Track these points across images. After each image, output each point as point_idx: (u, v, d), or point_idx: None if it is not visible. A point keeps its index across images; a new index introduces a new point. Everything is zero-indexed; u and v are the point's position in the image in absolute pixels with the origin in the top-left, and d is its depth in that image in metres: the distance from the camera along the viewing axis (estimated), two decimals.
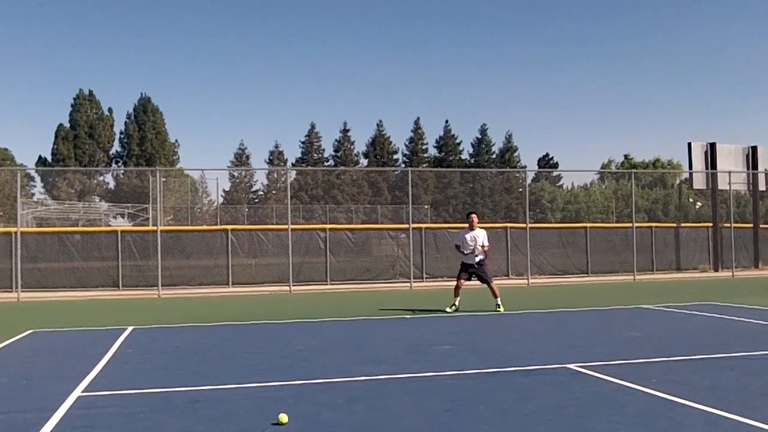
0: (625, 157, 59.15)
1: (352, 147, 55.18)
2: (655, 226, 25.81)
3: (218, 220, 37.51)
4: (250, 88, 76.03)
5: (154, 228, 20.21)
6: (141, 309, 13.86)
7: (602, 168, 57.44)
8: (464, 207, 46.13)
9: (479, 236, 11.98)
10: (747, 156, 25.93)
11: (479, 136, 56.28)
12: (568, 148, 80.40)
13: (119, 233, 20.37)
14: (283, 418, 4.46)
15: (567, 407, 4.87)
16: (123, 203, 40.20)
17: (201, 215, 44.38)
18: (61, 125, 49.86)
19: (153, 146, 50.56)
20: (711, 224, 25.58)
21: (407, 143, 55.92)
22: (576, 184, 52.26)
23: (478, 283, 12.25)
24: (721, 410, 4.66)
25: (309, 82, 77.26)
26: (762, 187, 26.66)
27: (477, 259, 11.94)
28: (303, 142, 54.92)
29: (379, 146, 54.40)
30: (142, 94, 52.52)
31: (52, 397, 5.36)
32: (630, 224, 22.95)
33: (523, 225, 21.90)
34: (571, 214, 45.15)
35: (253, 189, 52.65)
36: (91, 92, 51.10)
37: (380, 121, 56.37)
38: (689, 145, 25.16)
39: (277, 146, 53.70)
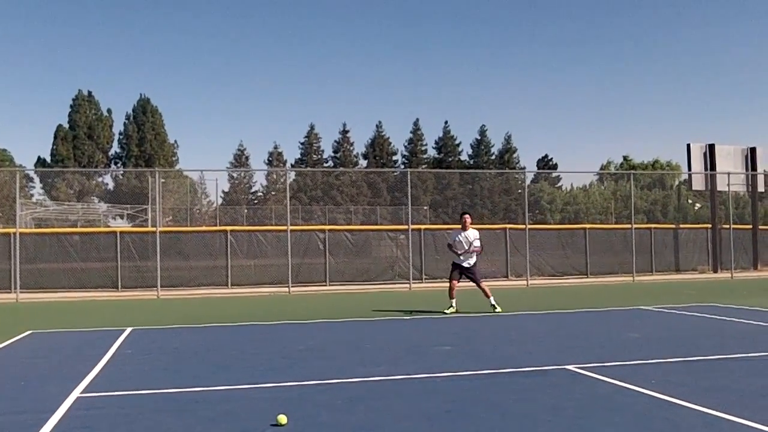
0: (624, 158, 59.23)
1: (351, 148, 55.24)
2: (654, 228, 25.82)
3: (217, 221, 37.52)
4: (249, 89, 76.12)
5: (153, 229, 20.19)
6: (140, 310, 13.85)
7: (601, 169, 57.50)
8: (463, 208, 46.16)
9: (471, 237, 11.97)
10: (746, 157, 25.95)
11: (478, 137, 56.38)
12: (567, 149, 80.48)
13: (118, 234, 20.36)
14: (282, 419, 4.46)
15: (566, 408, 4.87)
16: (122, 204, 40.18)
17: (200, 216, 44.38)
18: (60, 126, 49.85)
19: (152, 147, 50.55)
20: (710, 225, 25.60)
21: (406, 144, 56.01)
22: (575, 186, 52.34)
23: (472, 284, 12.23)
24: (720, 412, 4.66)
25: (308, 83, 77.37)
26: (761, 188, 26.68)
27: (471, 261, 11.94)
28: (302, 143, 55.00)
29: (378, 147, 54.42)
30: (141, 94, 52.65)
31: (51, 398, 5.35)
32: (629, 225, 22.96)
33: (522, 226, 21.91)
34: (570, 215, 45.18)
35: (252, 190, 52.71)
36: (90, 93, 51.14)
37: (379, 122, 56.71)
38: (688, 146, 25.18)
39: (276, 147, 53.81)
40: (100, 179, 49.95)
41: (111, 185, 49.49)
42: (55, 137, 49.41)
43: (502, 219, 42.14)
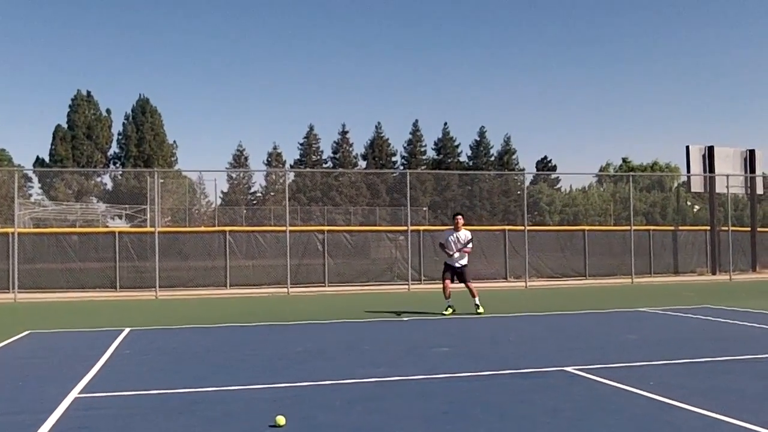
0: (624, 160, 59.27)
1: (350, 149, 55.27)
2: (653, 229, 25.83)
3: (216, 221, 37.48)
4: (248, 90, 76.12)
5: (152, 229, 20.19)
6: (138, 310, 13.83)
7: (600, 171, 57.54)
8: (462, 209, 46.17)
9: (462, 238, 12.01)
10: (745, 159, 25.98)
11: (478, 139, 56.42)
12: (566, 150, 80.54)
13: (117, 234, 20.33)
14: (281, 420, 4.45)
15: (565, 410, 4.87)
16: (121, 204, 40.17)
17: (199, 216, 44.37)
18: (59, 126, 49.84)
19: (151, 147, 50.55)
20: (709, 227, 25.61)
21: (406, 145, 56.04)
22: (574, 187, 52.34)
23: (473, 286, 12.23)
24: (718, 414, 4.65)
25: (308, 83, 77.41)
26: (760, 190, 26.72)
27: (462, 262, 11.98)
28: (301, 144, 55.04)
29: (377, 148, 54.44)
30: (140, 95, 52.60)
31: (49, 399, 5.34)
32: (628, 227, 22.96)
33: (521, 227, 21.91)
34: (569, 216, 45.19)
35: (251, 190, 52.72)
36: (89, 93, 51.13)
37: (379, 123, 56.60)
38: (687, 148, 25.21)
39: (275, 148, 53.85)
40: (98, 179, 49.95)
41: (110, 185, 49.53)
42: (54, 137, 49.39)
43: (501, 220, 42.15)
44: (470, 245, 12.08)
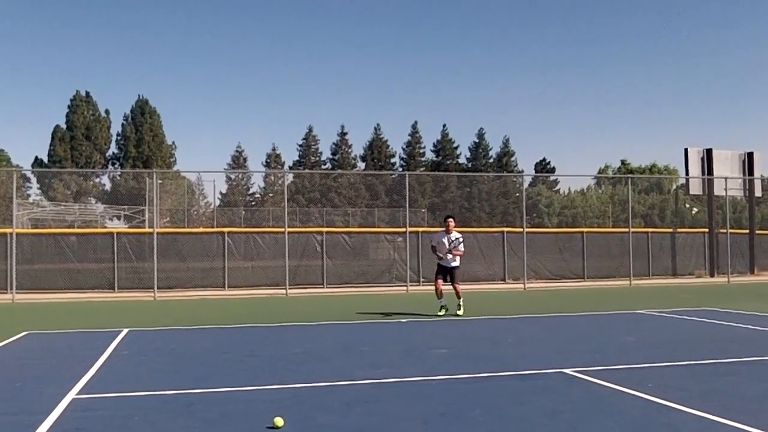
0: (622, 162, 59.26)
1: (349, 150, 55.29)
2: (652, 232, 25.87)
3: (215, 222, 37.48)
4: (247, 91, 76.08)
5: (150, 230, 20.18)
6: (136, 311, 13.82)
7: (599, 173, 57.52)
8: (461, 211, 46.17)
9: (453, 240, 12.07)
10: (743, 162, 26.03)
11: (476, 141, 56.45)
12: (565, 152, 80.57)
13: (115, 235, 20.34)
14: (279, 421, 4.44)
15: (563, 412, 4.86)
16: (119, 205, 40.15)
17: (197, 217, 44.37)
18: (57, 126, 49.79)
19: (150, 148, 50.52)
20: (707, 230, 25.64)
21: (404, 147, 56.06)
22: (573, 189, 52.40)
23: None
24: (717, 416, 4.65)
25: (307, 85, 77.42)
26: (758, 193, 26.76)
27: (454, 264, 12.05)
28: (300, 145, 55.06)
29: (376, 150, 54.46)
30: (139, 95, 52.56)
31: (47, 400, 5.33)
32: (626, 229, 22.97)
33: (520, 229, 21.92)
34: (568, 218, 45.20)
35: (250, 192, 52.71)
36: (88, 93, 51.10)
37: (378, 124, 56.60)
38: (686, 150, 25.25)
39: (274, 149, 53.88)
40: (97, 180, 49.95)
41: (108, 186, 49.50)
42: (53, 138, 49.35)
43: (499, 222, 42.16)
44: (461, 247, 12.15)
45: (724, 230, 24.14)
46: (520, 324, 10.97)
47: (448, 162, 55.10)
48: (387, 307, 13.70)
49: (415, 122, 57.68)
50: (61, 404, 5.20)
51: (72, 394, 5.56)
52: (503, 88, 78.54)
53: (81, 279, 19.22)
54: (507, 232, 23.21)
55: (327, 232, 22.05)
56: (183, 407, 5.13)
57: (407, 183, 21.73)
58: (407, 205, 20.95)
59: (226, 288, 19.83)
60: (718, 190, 25.04)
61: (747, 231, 26.64)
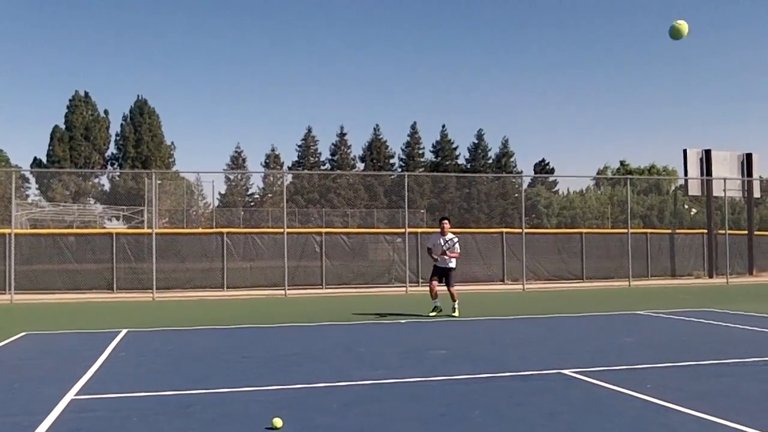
0: (621, 163, 59.27)
1: (348, 151, 55.29)
2: (651, 232, 25.90)
3: (214, 223, 37.48)
4: (246, 91, 76.13)
5: (149, 230, 20.17)
6: (135, 312, 13.81)
7: (598, 174, 57.55)
8: (460, 212, 46.18)
9: (448, 241, 12.12)
10: (742, 163, 26.05)
11: (476, 141, 56.47)
12: (564, 153, 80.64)
13: (114, 235, 20.33)
14: (278, 422, 4.44)
15: (561, 413, 4.87)
16: (118, 205, 40.13)
17: (196, 218, 44.36)
18: (56, 127, 49.76)
19: (149, 148, 50.51)
20: (706, 231, 25.67)
21: (404, 147, 56.08)
22: (572, 190, 52.41)
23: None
24: (715, 417, 4.66)
25: (306, 85, 77.43)
26: (756, 194, 26.80)
27: (450, 265, 12.09)
28: (299, 146, 55.05)
29: (375, 150, 54.46)
30: (138, 96, 52.52)
31: (45, 401, 5.33)
32: (625, 230, 22.98)
33: (519, 230, 21.92)
34: (567, 219, 45.22)
35: (249, 192, 52.68)
36: (87, 94, 51.07)
37: (377, 125, 56.60)
38: (684, 151, 25.27)
39: (273, 150, 53.86)
40: (96, 180, 49.90)
41: (107, 186, 49.47)
42: (52, 138, 49.32)
43: (498, 223, 42.18)
44: (457, 248, 12.20)
45: (723, 231, 24.16)
46: (519, 325, 10.97)
47: (447, 163, 55.11)
48: (386, 307, 13.70)
49: (414, 123, 57.72)
50: (60, 405, 5.19)
51: (70, 395, 5.56)
52: (502, 89, 78.67)
53: (80, 279, 19.21)
54: (506, 232, 23.22)
55: (326, 233, 22.05)
56: (181, 408, 5.12)
57: (406, 184, 21.73)
58: (406, 206, 20.96)
59: (225, 288, 19.83)
60: (717, 191, 25.06)
61: (746, 232, 26.65)
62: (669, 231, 27.73)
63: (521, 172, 54.50)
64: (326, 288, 20.35)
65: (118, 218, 39.97)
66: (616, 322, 11.07)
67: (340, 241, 21.59)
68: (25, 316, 13.21)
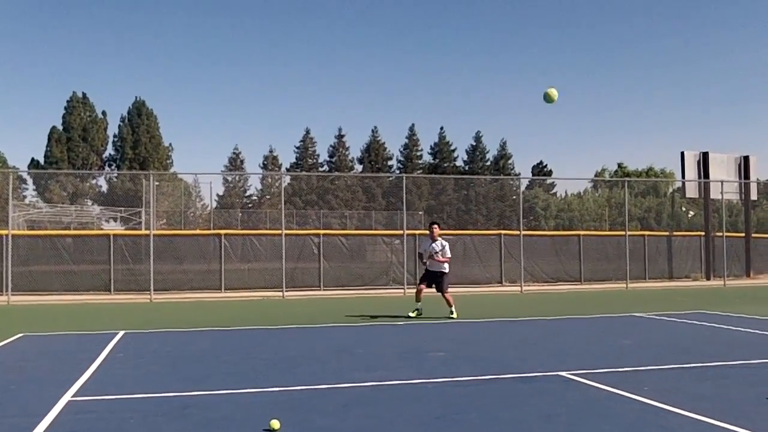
0: (619, 165, 59.38)
1: (346, 153, 55.31)
2: (648, 235, 25.93)
3: (211, 224, 37.45)
4: (245, 93, 76.13)
5: (147, 232, 20.14)
6: (133, 313, 13.79)
7: (596, 176, 57.65)
8: (458, 213, 46.22)
9: (437, 246, 12.13)
10: (739, 165, 26.09)
11: (474, 143, 56.52)
12: (562, 156, 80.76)
13: (111, 237, 20.30)
14: (275, 424, 4.44)
15: (559, 415, 4.87)
16: (116, 207, 40.06)
17: (194, 219, 44.31)
18: (54, 128, 49.68)
19: (147, 150, 50.45)
20: (703, 233, 25.71)
21: (402, 149, 56.10)
22: (569, 192, 52.49)
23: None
24: (713, 419, 4.66)
25: (304, 87, 77.43)
26: (754, 196, 26.85)
27: (441, 269, 12.13)
28: (298, 148, 55.01)
29: (373, 152, 54.48)
30: (136, 97, 52.45)
31: (42, 402, 5.32)
32: (623, 232, 23.02)
33: (517, 232, 21.93)
34: (565, 221, 45.27)
35: (247, 194, 52.64)
36: (84, 95, 51.02)
37: (375, 127, 56.57)
38: (682, 154, 25.31)
39: (271, 151, 53.85)
40: (93, 181, 49.80)
41: (105, 188, 49.40)
42: (49, 139, 49.25)
43: (496, 225, 42.20)
44: (447, 253, 12.20)
45: (720, 233, 24.20)
46: (517, 327, 10.97)
47: (445, 165, 55.15)
48: (384, 309, 13.69)
49: (413, 125, 57.79)
50: (57, 407, 5.18)
51: (68, 397, 5.55)
52: (500, 91, 78.77)
53: (77, 281, 19.17)
54: (504, 234, 23.22)
55: (324, 235, 22.05)
56: (179, 410, 5.12)
57: (404, 185, 21.72)
58: (404, 208, 20.95)
59: (223, 290, 19.81)
60: (715, 193, 25.10)
61: (743, 234, 26.70)
62: (666, 233, 27.77)
63: (519, 174, 54.65)
64: (324, 290, 20.35)
65: (115, 219, 39.90)
66: (613, 324, 11.07)
67: (338, 243, 21.59)
68: (22, 317, 13.18)
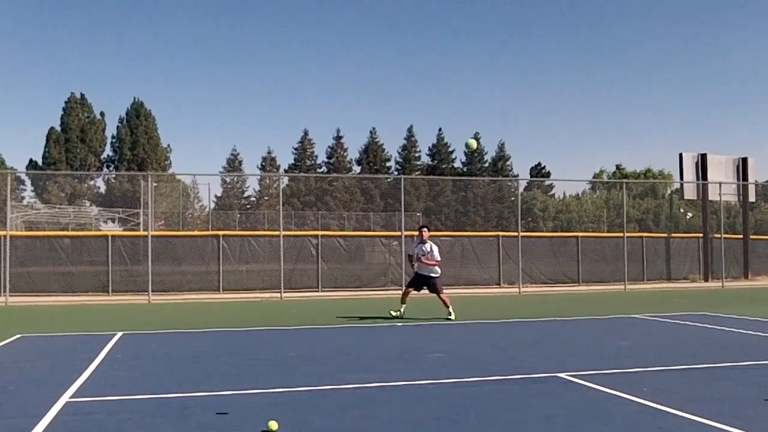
0: (617, 167, 59.46)
1: (345, 154, 55.30)
2: (646, 236, 25.93)
3: (209, 225, 37.43)
4: (243, 94, 76.10)
5: (145, 233, 20.11)
6: (131, 314, 13.77)
7: (594, 177, 57.72)
8: (456, 215, 46.23)
9: (426, 249, 12.19)
10: (737, 167, 26.13)
11: None
12: (560, 157, 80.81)
13: (110, 238, 20.26)
14: (273, 425, 4.44)
15: (557, 416, 4.87)
16: (114, 208, 40.03)
17: (192, 220, 44.27)
18: (52, 129, 49.62)
19: (145, 151, 50.41)
20: (701, 235, 25.72)
21: (400, 151, 56.13)
22: (568, 194, 52.55)
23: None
24: (711, 420, 4.67)
25: (303, 88, 77.43)
26: (752, 198, 26.87)
27: (431, 273, 12.18)
28: (296, 149, 55.01)
29: (372, 153, 54.49)
30: (134, 98, 52.41)
31: (40, 403, 5.31)
32: (621, 234, 23.04)
33: (515, 234, 21.94)
34: (563, 223, 45.30)
35: (245, 195, 52.63)
36: (83, 96, 50.96)
37: (373, 128, 56.52)
38: (680, 155, 25.33)
39: (269, 152, 53.86)
40: (92, 182, 49.78)
41: (103, 189, 49.36)
42: (47, 140, 49.20)
43: (494, 226, 42.22)
44: (436, 255, 12.20)
45: (719, 235, 24.23)
46: (515, 328, 10.98)
47: (443, 166, 55.18)
48: (382, 311, 13.69)
49: (411, 126, 57.79)
50: (55, 408, 5.18)
51: (66, 398, 5.54)
52: (499, 93, 78.81)
53: (75, 282, 19.14)
54: (502, 236, 23.22)
55: (322, 236, 22.04)
56: (177, 411, 5.11)
57: (402, 187, 21.72)
58: (402, 209, 20.96)
59: (221, 291, 19.80)
60: (713, 195, 25.13)
61: (741, 236, 26.72)
62: (665, 235, 27.77)
63: (517, 175, 54.65)
64: (322, 291, 20.33)
65: (113, 220, 39.87)
66: (612, 326, 11.08)
67: (336, 244, 21.58)
68: (20, 318, 13.17)
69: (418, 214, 42.23)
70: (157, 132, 51.84)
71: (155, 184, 35.03)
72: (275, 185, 48.57)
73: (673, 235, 27.47)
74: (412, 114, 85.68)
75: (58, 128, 49.76)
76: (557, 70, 78.15)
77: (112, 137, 51.63)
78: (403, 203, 21.03)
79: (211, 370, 6.90)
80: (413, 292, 12.49)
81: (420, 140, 56.43)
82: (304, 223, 41.17)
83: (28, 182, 47.21)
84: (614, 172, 58.62)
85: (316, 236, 21.81)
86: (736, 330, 10.13)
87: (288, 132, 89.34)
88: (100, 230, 34.37)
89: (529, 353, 8.13)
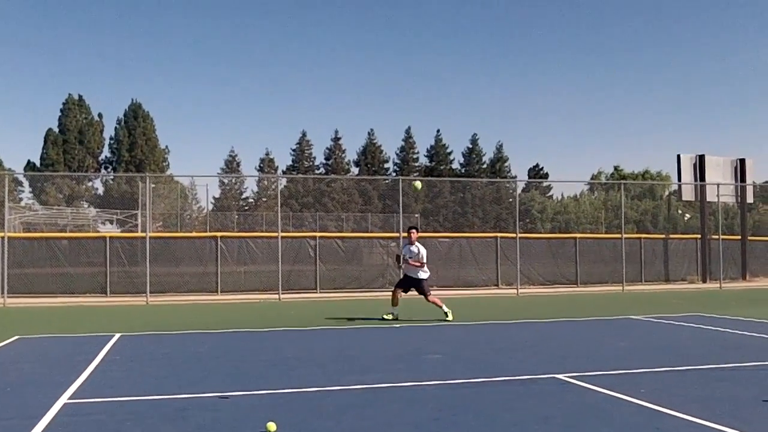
0: (615, 168, 59.54)
1: (343, 155, 55.30)
2: (644, 237, 25.96)
3: (208, 226, 37.39)
4: (241, 95, 76.06)
5: (143, 234, 20.10)
6: (129, 316, 13.76)
7: (592, 179, 57.75)
8: (454, 216, 46.24)
9: (414, 251, 12.24)
10: (735, 168, 26.17)
11: (470, 146, 56.54)
12: (558, 158, 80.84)
13: (108, 239, 20.25)
14: (272, 426, 4.43)
15: (555, 417, 4.88)
16: (112, 209, 39.98)
17: (190, 222, 44.23)
18: (50, 130, 49.59)
19: (143, 152, 50.38)
20: (699, 236, 25.76)
21: (398, 152, 56.15)
22: (566, 195, 52.55)
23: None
24: (710, 421, 4.67)
25: (301, 89, 77.42)
26: (750, 199, 26.91)
27: (418, 275, 12.19)
28: (294, 150, 55.01)
29: (370, 155, 54.50)
30: (132, 99, 52.41)
31: (38, 405, 5.30)
32: (619, 235, 23.06)
33: (513, 235, 21.97)
34: (561, 224, 45.32)
35: (243, 196, 52.60)
36: (80, 97, 50.92)
37: (371, 129, 56.55)
38: (678, 157, 25.37)
39: (267, 154, 53.87)
40: (90, 184, 49.71)
41: (101, 190, 49.32)
42: (45, 141, 49.16)
43: (493, 228, 42.24)
44: (423, 258, 12.20)
45: (717, 236, 24.26)
46: (513, 329, 10.98)
47: (441, 167, 55.19)
48: (380, 312, 13.69)
49: (409, 127, 57.81)
50: (53, 409, 5.17)
51: (64, 399, 5.54)
52: (497, 94, 78.88)
53: (73, 283, 19.12)
54: (500, 237, 23.25)
55: (320, 237, 22.03)
56: (176, 412, 5.11)
57: (401, 188, 21.76)
58: (401, 210, 20.97)
59: (219, 293, 19.78)
60: (711, 196, 25.17)
61: (739, 237, 26.76)
62: (663, 236, 27.82)
63: (515, 176, 54.67)
64: (320, 292, 20.33)
65: (111, 222, 39.81)
66: (610, 327, 11.09)
67: (334, 246, 21.58)
68: (18, 319, 13.15)
69: (416, 215, 42.22)
70: (155, 133, 51.83)
71: (153, 186, 35.02)
72: (273, 186, 48.57)
73: (671, 236, 27.52)
74: (410, 115, 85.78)
75: (56, 129, 49.72)
76: (555, 71, 78.30)
77: (110, 138, 51.62)
78: (401, 204, 21.04)
79: (209, 372, 6.90)
80: (402, 294, 12.46)
81: (418, 142, 56.52)
82: (302, 224, 41.14)
83: (26, 183, 47.17)
84: (612, 174, 58.69)
85: (314, 237, 21.81)
86: (734, 331, 10.14)
87: (286, 133, 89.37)
88: (98, 231, 34.32)
89: (527, 354, 8.13)
